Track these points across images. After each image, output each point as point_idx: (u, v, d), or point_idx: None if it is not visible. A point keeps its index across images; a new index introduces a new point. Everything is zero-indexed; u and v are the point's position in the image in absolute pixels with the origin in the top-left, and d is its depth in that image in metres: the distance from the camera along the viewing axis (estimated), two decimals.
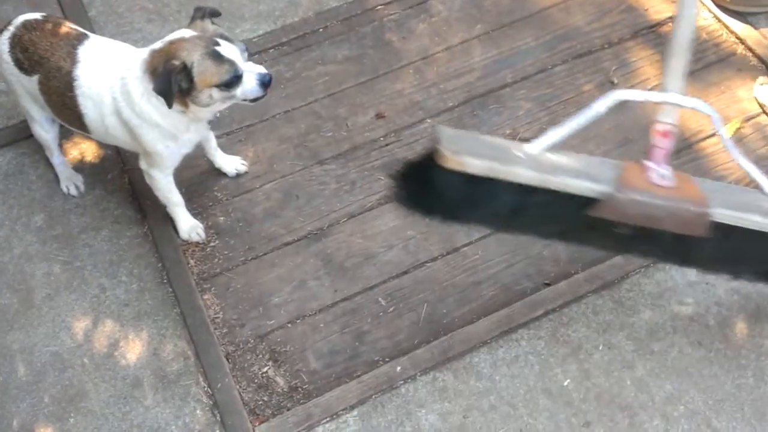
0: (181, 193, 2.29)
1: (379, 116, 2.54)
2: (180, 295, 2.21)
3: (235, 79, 1.89)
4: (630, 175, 1.72)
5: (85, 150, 2.51)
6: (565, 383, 2.04)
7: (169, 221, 2.33)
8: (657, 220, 1.73)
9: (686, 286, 2.17)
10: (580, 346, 2.08)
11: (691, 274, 2.18)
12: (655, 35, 2.67)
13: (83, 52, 2.05)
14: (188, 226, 2.29)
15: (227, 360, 2.10)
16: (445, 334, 2.11)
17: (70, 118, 2.12)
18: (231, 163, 2.41)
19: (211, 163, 2.41)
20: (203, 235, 2.30)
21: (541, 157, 1.74)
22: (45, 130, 2.30)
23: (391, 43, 2.71)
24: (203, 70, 1.86)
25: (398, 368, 2.06)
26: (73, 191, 2.41)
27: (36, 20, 2.13)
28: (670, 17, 2.71)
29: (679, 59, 1.77)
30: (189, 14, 2.74)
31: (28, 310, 2.20)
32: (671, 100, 1.74)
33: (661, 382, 2.02)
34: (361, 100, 2.58)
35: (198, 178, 2.35)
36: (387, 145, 2.48)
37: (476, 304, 2.18)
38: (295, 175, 2.42)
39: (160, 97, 1.89)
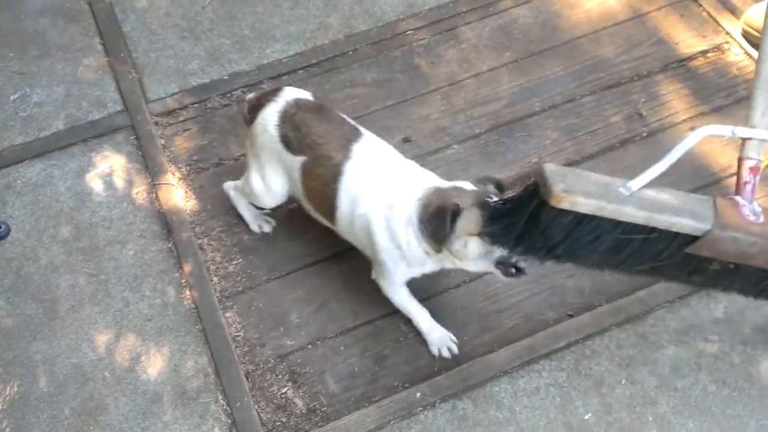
0: (206, 209, 2.30)
1: (406, 140, 2.55)
2: (202, 311, 2.21)
3: (496, 234, 1.78)
4: (726, 212, 1.71)
5: (114, 164, 2.53)
6: (586, 417, 2.02)
7: (193, 238, 2.35)
8: (751, 257, 1.73)
9: (711, 323, 2.14)
10: (603, 379, 2.07)
11: (717, 311, 2.16)
12: (684, 69, 2.67)
13: (358, 148, 2.04)
14: (437, 338, 2.12)
15: (247, 379, 2.10)
16: (466, 362, 2.10)
17: (322, 205, 2.10)
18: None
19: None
20: (455, 350, 2.12)
21: (645, 195, 1.71)
22: (274, 196, 2.22)
23: (420, 68, 2.73)
24: (470, 217, 1.81)
25: (418, 394, 2.05)
26: (267, 229, 2.36)
27: (309, 102, 2.12)
28: (701, 51, 2.70)
29: (766, 95, 1.76)
30: (221, 33, 2.84)
31: (52, 321, 2.22)
32: (759, 137, 1.75)
33: (684, 420, 2.00)
34: (388, 123, 2.59)
35: (225, 195, 2.36)
36: None
37: (498, 332, 2.17)
38: None
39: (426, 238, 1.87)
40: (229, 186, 2.35)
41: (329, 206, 2.06)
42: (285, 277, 2.29)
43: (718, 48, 2.72)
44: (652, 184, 1.72)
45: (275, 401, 2.07)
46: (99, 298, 2.26)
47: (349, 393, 2.08)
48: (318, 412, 2.05)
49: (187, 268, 2.29)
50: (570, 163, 2.46)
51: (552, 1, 2.88)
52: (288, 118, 2.08)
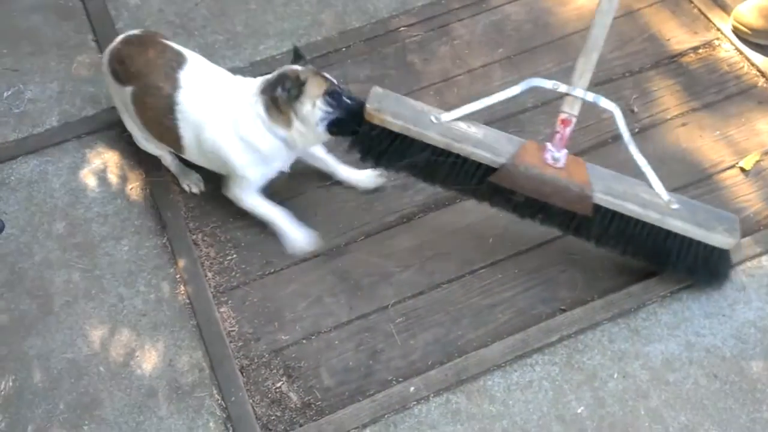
0: (200, 205, 2.31)
1: None
2: (197, 307, 2.22)
3: (338, 94, 2.08)
4: (526, 153, 2.02)
5: (108, 160, 2.54)
6: (579, 410, 2.03)
7: (188, 233, 2.35)
8: (545, 194, 2.03)
9: (703, 317, 2.16)
10: (595, 373, 2.08)
11: (708, 305, 2.18)
12: (676, 65, 2.69)
13: (185, 76, 2.17)
14: (296, 236, 2.29)
15: (242, 373, 2.11)
16: (460, 356, 2.11)
17: (166, 136, 2.22)
18: (367, 175, 2.42)
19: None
20: (314, 242, 2.29)
21: (453, 125, 2.04)
22: (145, 144, 2.40)
23: (413, 65, 2.74)
24: (313, 80, 2.08)
25: (412, 388, 2.06)
26: (195, 189, 2.45)
27: (135, 35, 2.28)
28: (692, 48, 2.72)
29: (588, 59, 2.02)
30: (214, 29, 2.85)
31: (47, 316, 2.22)
32: (575, 94, 2.02)
33: (676, 414, 2.02)
34: None
35: (219, 190, 2.37)
36: None
37: (491, 326, 2.18)
38: (314, 192, 2.44)
39: (265, 119, 2.10)
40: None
41: (172, 137, 2.20)
42: (280, 272, 2.29)
43: (708, 44, 2.74)
44: (468, 119, 2.06)
45: (270, 396, 2.08)
46: (93, 294, 2.26)
47: (343, 387, 2.09)
48: (313, 406, 2.06)
49: (181, 263, 2.29)
50: None
51: None
52: (115, 54, 2.25)
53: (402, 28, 2.83)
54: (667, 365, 2.09)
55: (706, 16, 2.80)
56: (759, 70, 2.66)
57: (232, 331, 2.19)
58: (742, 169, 2.44)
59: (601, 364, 2.10)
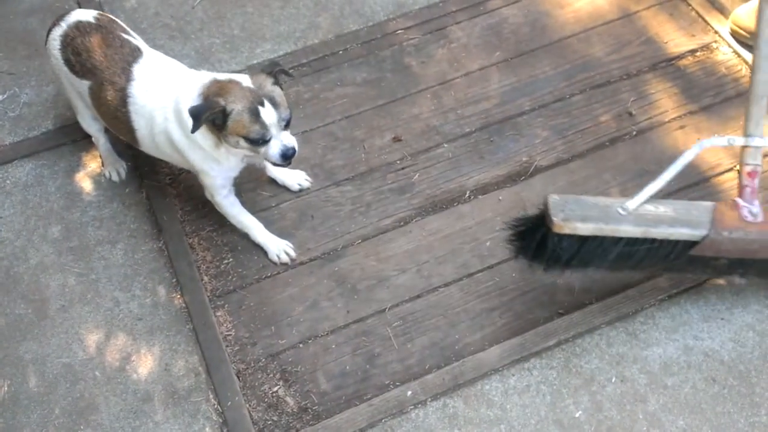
0: (197, 208, 2.30)
1: (396, 139, 2.56)
2: (193, 311, 2.21)
3: (261, 141, 2.00)
4: (723, 217, 1.95)
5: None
6: (577, 415, 2.02)
7: (184, 237, 2.34)
8: (752, 251, 1.96)
9: (701, 320, 2.16)
10: (593, 377, 2.07)
11: (707, 308, 2.17)
12: (673, 68, 2.68)
13: (138, 69, 2.13)
14: (275, 246, 2.28)
15: (238, 378, 2.10)
16: (457, 360, 2.10)
17: (121, 129, 2.20)
18: (294, 178, 2.43)
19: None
20: (293, 253, 2.28)
21: (642, 211, 1.96)
22: (90, 123, 2.38)
23: (410, 68, 2.73)
24: (237, 120, 1.97)
25: (409, 393, 2.05)
26: (115, 177, 2.45)
27: (90, 23, 2.18)
28: (690, 50, 2.72)
29: (759, 106, 1.97)
30: (211, 32, 2.84)
31: (42, 320, 2.21)
32: (755, 144, 1.97)
33: (674, 418, 2.01)
34: (378, 123, 2.60)
35: None
36: (403, 168, 2.49)
37: (489, 330, 2.17)
38: (310, 195, 2.44)
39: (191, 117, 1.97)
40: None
41: (126, 129, 2.17)
42: (276, 276, 2.28)
43: (706, 47, 2.73)
44: (652, 199, 1.96)
45: (266, 400, 2.07)
46: (89, 298, 2.25)
47: (340, 391, 2.08)
48: (309, 410, 2.05)
49: (177, 267, 2.28)
50: (560, 162, 2.47)
51: (541, 0, 2.89)
52: (69, 42, 2.17)
53: (399, 31, 2.82)
54: (665, 369, 2.08)
55: (704, 19, 2.79)
56: None
57: (229, 335, 2.18)
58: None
59: (599, 368, 2.09)
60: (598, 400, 2.04)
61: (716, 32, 2.76)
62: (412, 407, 2.04)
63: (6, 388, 2.10)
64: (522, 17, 2.85)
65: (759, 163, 1.98)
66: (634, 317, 2.16)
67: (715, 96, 2.61)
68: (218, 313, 2.21)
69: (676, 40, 2.76)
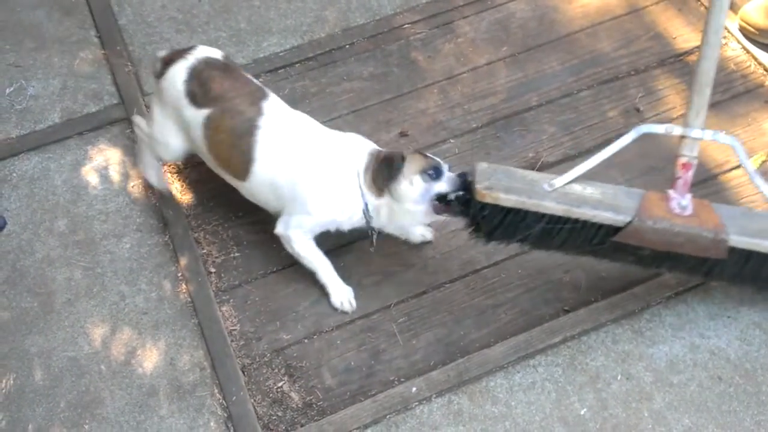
0: (205, 203, 2.29)
1: (403, 134, 2.55)
2: (198, 305, 2.21)
3: (438, 171, 2.01)
4: (650, 205, 1.90)
5: (110, 157, 2.53)
6: (582, 412, 2.02)
7: (190, 231, 2.34)
8: (677, 245, 1.91)
9: (707, 318, 2.15)
10: (598, 375, 2.07)
11: (713, 306, 2.16)
12: (681, 64, 2.67)
13: (268, 106, 2.14)
14: (340, 292, 2.20)
15: (243, 373, 2.10)
16: (462, 357, 2.10)
17: (231, 158, 2.14)
18: (418, 230, 2.31)
19: None
20: (354, 304, 2.20)
21: (567, 189, 1.91)
22: (165, 152, 2.31)
23: (417, 62, 2.72)
24: (413, 159, 2.03)
25: (414, 389, 2.05)
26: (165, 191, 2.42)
27: (218, 60, 2.19)
28: (698, 46, 2.69)
29: (701, 96, 1.90)
30: (218, 26, 2.83)
31: (48, 314, 2.22)
32: (692, 135, 1.90)
33: (680, 416, 2.00)
34: (385, 117, 2.59)
35: (221, 188, 2.35)
36: None
37: (494, 327, 2.17)
38: None
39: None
40: (138, 120, 2.37)
41: (241, 160, 2.11)
42: (281, 270, 2.28)
43: None
44: (581, 180, 1.94)
45: (271, 395, 2.07)
46: (95, 292, 2.25)
47: (345, 387, 2.08)
48: (314, 406, 2.06)
49: (183, 261, 2.29)
50: (566, 158, 2.46)
51: None
52: (196, 74, 2.15)
53: (406, 26, 2.81)
54: (671, 367, 2.08)
55: None
56: (766, 70, 2.64)
57: (234, 330, 2.18)
58: None
59: (605, 365, 2.08)
60: (604, 398, 2.04)
61: (725, 28, 2.73)
62: (416, 403, 2.04)
63: (12, 382, 2.11)
64: (530, 12, 2.83)
65: (695, 155, 1.91)
66: (640, 315, 2.15)
67: (723, 92, 2.59)
68: (223, 308, 2.22)
69: (684, 35, 2.74)
